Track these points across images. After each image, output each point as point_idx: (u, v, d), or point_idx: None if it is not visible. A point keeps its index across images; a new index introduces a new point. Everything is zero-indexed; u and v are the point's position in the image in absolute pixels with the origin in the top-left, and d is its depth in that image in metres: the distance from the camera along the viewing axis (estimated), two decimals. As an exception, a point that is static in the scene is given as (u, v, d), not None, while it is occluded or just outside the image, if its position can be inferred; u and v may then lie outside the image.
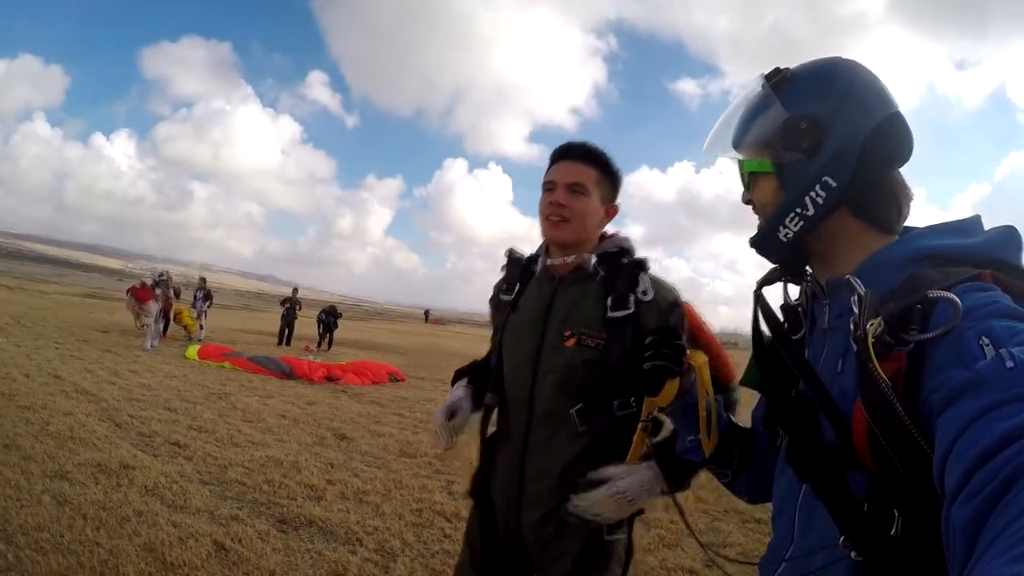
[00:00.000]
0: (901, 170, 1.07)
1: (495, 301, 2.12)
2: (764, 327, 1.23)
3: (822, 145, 1.03)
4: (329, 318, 22.33)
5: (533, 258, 2.06)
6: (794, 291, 1.21)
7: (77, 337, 14.98)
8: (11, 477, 4.85)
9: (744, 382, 1.36)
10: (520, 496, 1.90)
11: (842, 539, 0.90)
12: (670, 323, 1.75)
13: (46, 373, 9.60)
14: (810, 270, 1.16)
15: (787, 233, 1.07)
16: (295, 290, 23.01)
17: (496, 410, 2.01)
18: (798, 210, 1.05)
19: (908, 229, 1.08)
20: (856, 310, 0.88)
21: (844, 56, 1.11)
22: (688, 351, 1.35)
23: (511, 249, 2.13)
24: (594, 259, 1.89)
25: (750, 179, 1.15)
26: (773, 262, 1.17)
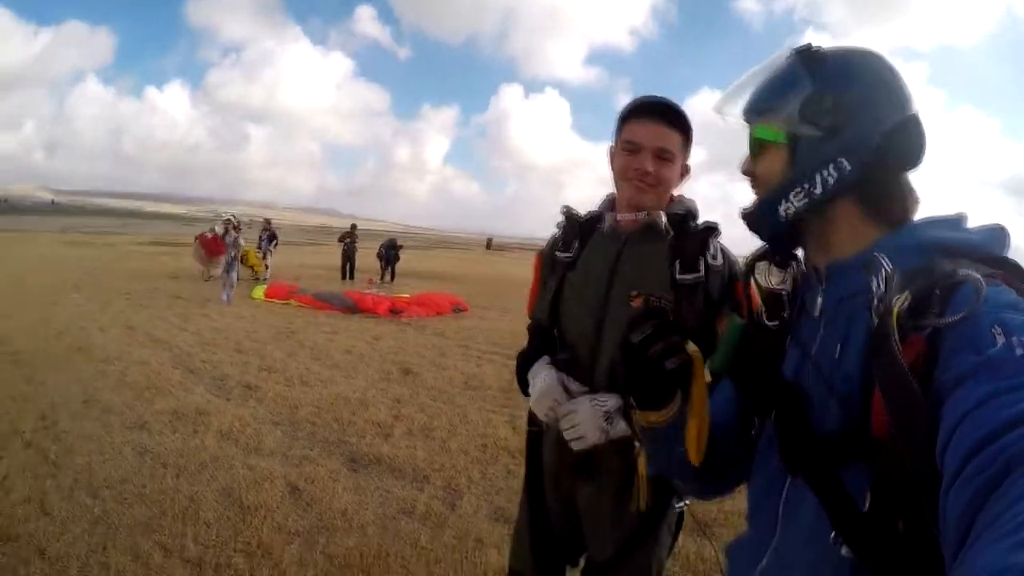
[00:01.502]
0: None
1: (548, 259, 2.02)
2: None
3: (842, 128, 1.00)
4: (389, 252, 22.54)
5: (592, 216, 1.97)
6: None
7: (148, 285, 15.44)
8: (93, 431, 5.08)
9: (713, 367, 1.19)
10: (575, 463, 1.85)
11: (833, 535, 0.88)
12: (722, 297, 1.74)
13: (119, 324, 9.96)
14: (801, 254, 1.14)
15: (788, 208, 1.04)
16: (353, 226, 23.16)
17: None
18: (805, 185, 1.02)
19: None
20: (883, 285, 0.86)
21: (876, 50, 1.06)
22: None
23: (567, 207, 2.03)
24: (665, 218, 1.81)
25: (758, 148, 1.09)
26: (763, 239, 1.14)
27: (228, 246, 14.90)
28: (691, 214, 1.86)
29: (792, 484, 1.00)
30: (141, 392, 6.24)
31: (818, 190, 1.01)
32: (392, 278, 22.24)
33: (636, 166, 1.77)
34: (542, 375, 1.85)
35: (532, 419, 1.99)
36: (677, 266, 1.75)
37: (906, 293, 0.81)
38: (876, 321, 0.83)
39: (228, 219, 15.68)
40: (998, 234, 0.96)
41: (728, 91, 1.15)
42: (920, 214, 1.01)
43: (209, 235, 15.01)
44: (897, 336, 0.78)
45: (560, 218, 2.03)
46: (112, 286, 15.04)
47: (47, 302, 11.96)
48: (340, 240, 22.42)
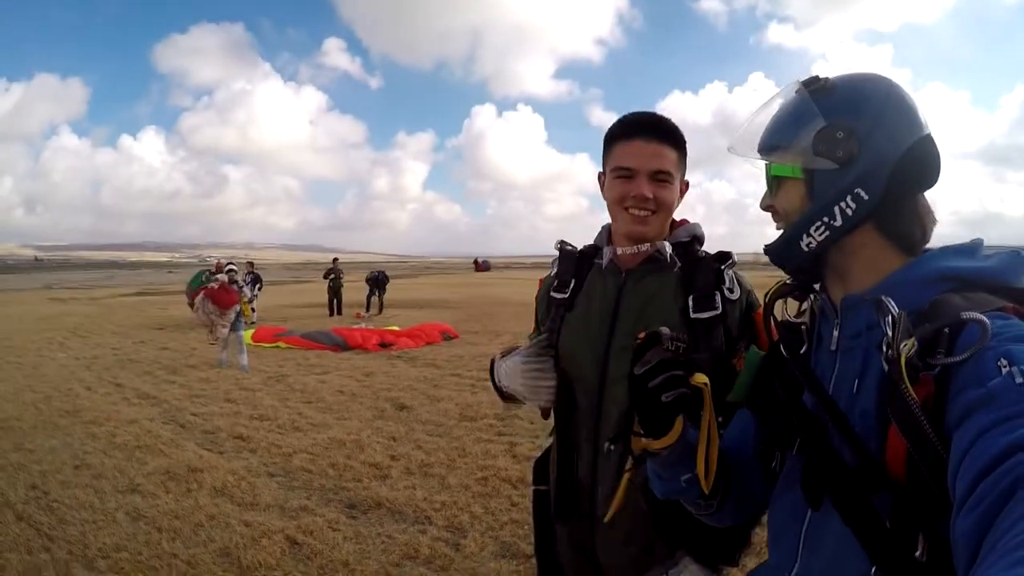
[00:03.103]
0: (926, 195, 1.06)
1: (544, 299, 1.89)
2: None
3: (857, 157, 1.00)
4: (374, 287, 22.49)
5: (589, 249, 1.86)
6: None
7: (133, 339, 15.31)
8: (85, 499, 4.97)
9: (733, 398, 1.23)
10: (592, 514, 1.72)
11: (873, 570, 0.88)
12: (737, 326, 1.63)
13: (107, 382, 9.83)
14: (818, 287, 1.15)
15: (810, 242, 1.05)
16: (335, 260, 23.08)
17: (555, 419, 1.83)
18: (825, 219, 1.02)
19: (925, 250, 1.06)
20: (889, 331, 0.86)
21: (881, 73, 1.08)
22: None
23: (562, 241, 1.92)
24: (669, 247, 1.69)
25: (776, 184, 1.11)
26: (788, 272, 1.14)
27: (241, 294, 12.19)
28: (698, 240, 1.75)
29: (814, 513, 1.01)
30: (132, 453, 6.13)
31: (838, 222, 1.01)
32: (380, 310, 22.13)
33: (633, 193, 1.64)
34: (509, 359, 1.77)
35: (537, 476, 1.93)
36: (690, 302, 1.63)
37: (912, 340, 0.83)
38: (887, 367, 0.84)
39: (230, 266, 12.98)
40: (1015, 261, 0.97)
41: (741, 131, 1.15)
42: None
43: (215, 285, 11.62)
44: (907, 381, 0.80)
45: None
46: (98, 342, 14.91)
47: (34, 363, 11.83)
48: (325, 276, 22.36)
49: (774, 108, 1.12)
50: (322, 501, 4.90)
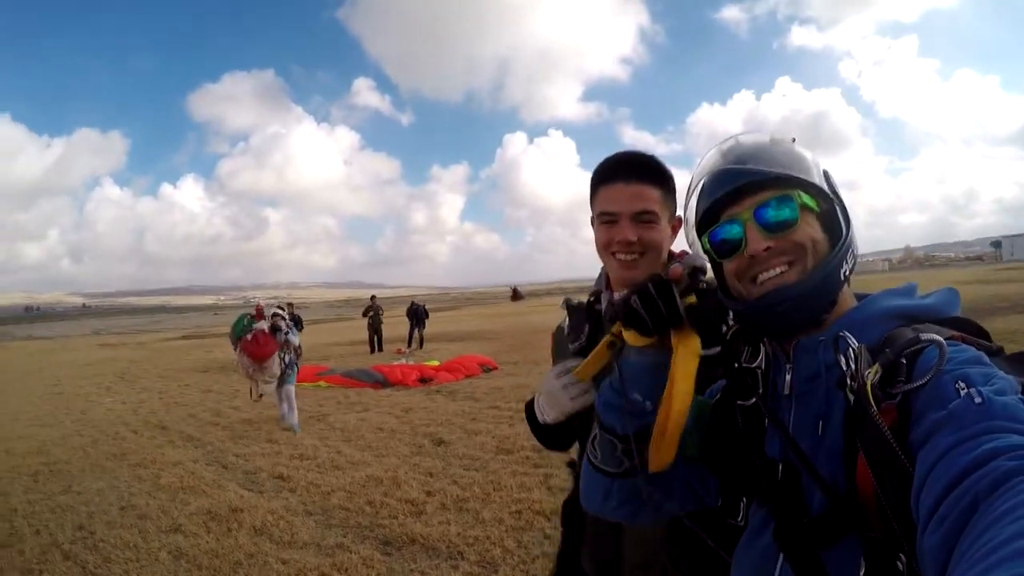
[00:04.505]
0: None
1: (561, 355, 1.82)
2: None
3: (842, 202, 1.08)
4: (414, 321, 22.59)
5: (592, 298, 1.83)
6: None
7: (179, 382, 15.67)
8: (129, 539, 5.11)
9: (687, 453, 1.14)
10: (619, 564, 1.70)
11: None
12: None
13: (152, 426, 10.09)
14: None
15: (845, 271, 1.05)
16: (373, 297, 23.36)
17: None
18: (852, 250, 1.06)
19: (863, 295, 1.10)
20: (853, 364, 0.88)
21: None
22: (678, 328, 1.08)
23: (567, 298, 1.90)
24: None
25: (798, 217, 1.03)
26: (811, 312, 1.04)
27: (282, 341, 9.88)
28: (700, 271, 1.66)
29: (785, 561, 1.00)
30: (175, 494, 6.29)
31: (858, 254, 1.06)
32: (421, 344, 22.25)
33: (617, 237, 1.60)
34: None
35: (566, 518, 1.90)
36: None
37: (876, 366, 0.85)
38: (852, 398, 0.87)
39: (276, 310, 10.63)
40: (950, 296, 1.03)
41: (754, 146, 1.11)
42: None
43: (250, 337, 9.54)
44: (875, 406, 0.82)
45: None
46: (144, 386, 15.27)
47: (82, 408, 12.20)
48: (364, 314, 22.58)
49: (773, 148, 1.10)
50: (358, 538, 4.95)
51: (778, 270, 1.03)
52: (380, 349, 21.45)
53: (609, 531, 1.71)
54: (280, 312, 10.41)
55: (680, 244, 1.73)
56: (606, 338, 1.20)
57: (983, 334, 0.97)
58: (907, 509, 0.78)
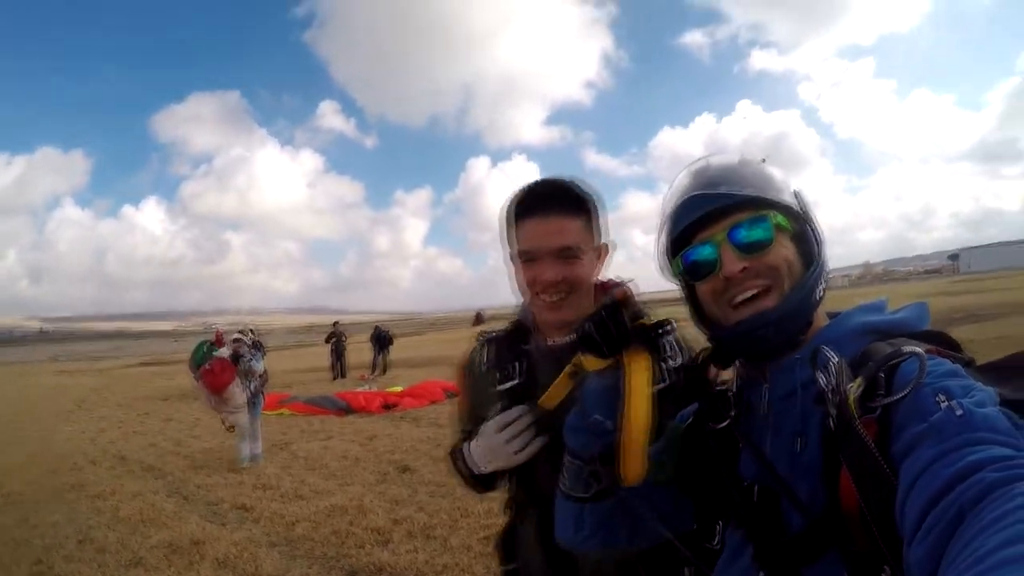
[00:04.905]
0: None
1: (480, 391, 1.71)
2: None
3: (813, 222, 1.08)
4: (378, 346, 22.43)
5: (515, 329, 1.72)
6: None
7: (138, 411, 15.39)
8: (88, 574, 5.03)
9: (660, 479, 1.17)
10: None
11: None
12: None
13: (111, 456, 9.88)
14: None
15: (819, 294, 1.05)
16: (336, 323, 23.23)
17: (519, 511, 1.75)
18: (825, 271, 1.06)
19: (834, 313, 1.11)
20: (834, 379, 0.89)
21: None
22: (628, 348, 1.16)
23: (482, 332, 1.80)
24: None
25: (772, 238, 1.03)
26: (788, 335, 1.04)
27: (240, 373, 9.29)
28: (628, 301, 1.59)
29: None
30: (136, 526, 6.16)
31: (829, 275, 1.07)
32: (384, 370, 22.03)
33: (541, 278, 1.49)
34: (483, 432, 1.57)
35: (504, 555, 1.81)
36: None
37: (859, 380, 0.86)
38: (834, 412, 0.87)
39: (237, 335, 10.13)
40: (920, 311, 1.06)
41: (724, 167, 1.11)
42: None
43: (208, 366, 8.92)
44: (859, 423, 0.82)
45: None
46: (103, 415, 15.00)
47: (40, 436, 11.94)
48: (327, 340, 22.40)
49: (746, 168, 1.10)
50: (323, 569, 4.90)
51: (754, 292, 1.03)
52: (344, 375, 21.22)
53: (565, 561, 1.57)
54: (242, 338, 9.88)
55: (610, 271, 1.66)
56: (568, 368, 1.27)
57: (955, 346, 0.98)
58: (892, 522, 0.78)
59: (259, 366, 9.78)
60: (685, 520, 1.20)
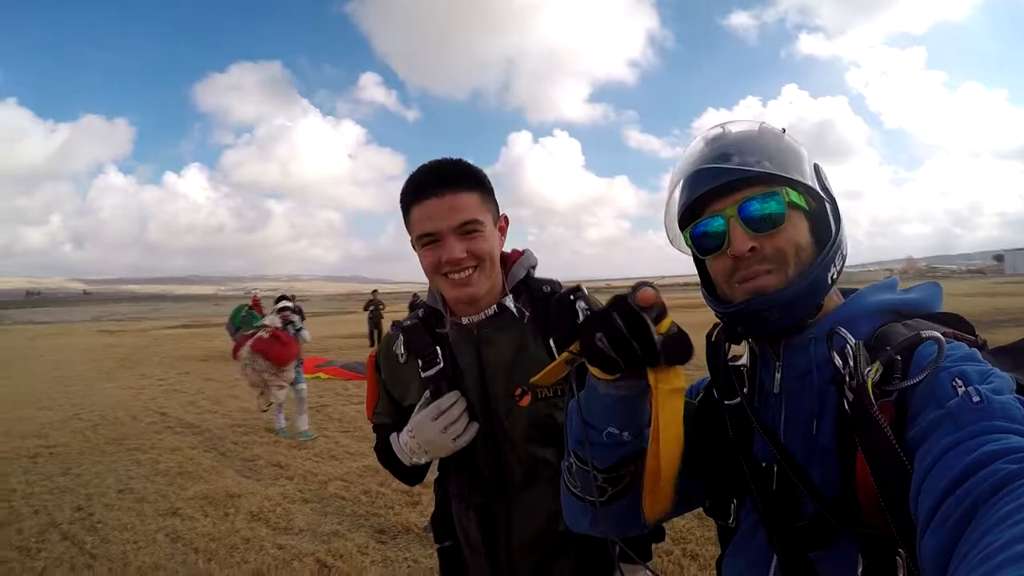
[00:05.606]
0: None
1: (399, 381, 1.71)
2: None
3: (833, 200, 1.04)
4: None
5: (427, 314, 1.71)
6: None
7: (178, 370, 15.77)
8: (127, 521, 5.17)
9: None
10: (510, 561, 1.64)
11: None
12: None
13: (152, 411, 10.18)
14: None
15: (834, 274, 1.00)
16: (374, 292, 23.47)
17: (452, 486, 1.73)
18: (841, 251, 1.01)
19: (848, 292, 1.08)
20: (851, 361, 0.86)
21: None
22: (656, 367, 0.92)
23: (395, 322, 1.77)
24: (511, 301, 1.59)
25: (778, 217, 0.98)
26: (796, 317, 1.00)
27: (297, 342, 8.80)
28: (531, 275, 1.67)
29: (778, 562, 0.99)
30: (173, 478, 6.36)
31: (847, 254, 1.02)
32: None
33: (445, 257, 1.48)
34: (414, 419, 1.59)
35: (439, 533, 1.79)
36: (552, 345, 1.53)
37: (876, 364, 0.84)
38: (851, 396, 0.85)
39: (284, 302, 9.26)
40: (934, 291, 1.04)
41: (738, 139, 1.04)
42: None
43: (265, 334, 8.27)
44: (876, 408, 0.80)
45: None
46: (144, 372, 15.35)
47: (83, 392, 12.27)
48: (365, 308, 22.62)
49: (762, 139, 1.04)
50: (353, 526, 5.01)
51: (761, 274, 0.99)
52: (380, 342, 21.38)
53: (502, 532, 1.64)
54: (288, 304, 9.20)
55: (510, 243, 1.70)
56: (563, 355, 1.07)
57: (969, 329, 0.96)
58: (906, 508, 0.76)
59: (307, 334, 9.43)
60: (698, 497, 1.16)
